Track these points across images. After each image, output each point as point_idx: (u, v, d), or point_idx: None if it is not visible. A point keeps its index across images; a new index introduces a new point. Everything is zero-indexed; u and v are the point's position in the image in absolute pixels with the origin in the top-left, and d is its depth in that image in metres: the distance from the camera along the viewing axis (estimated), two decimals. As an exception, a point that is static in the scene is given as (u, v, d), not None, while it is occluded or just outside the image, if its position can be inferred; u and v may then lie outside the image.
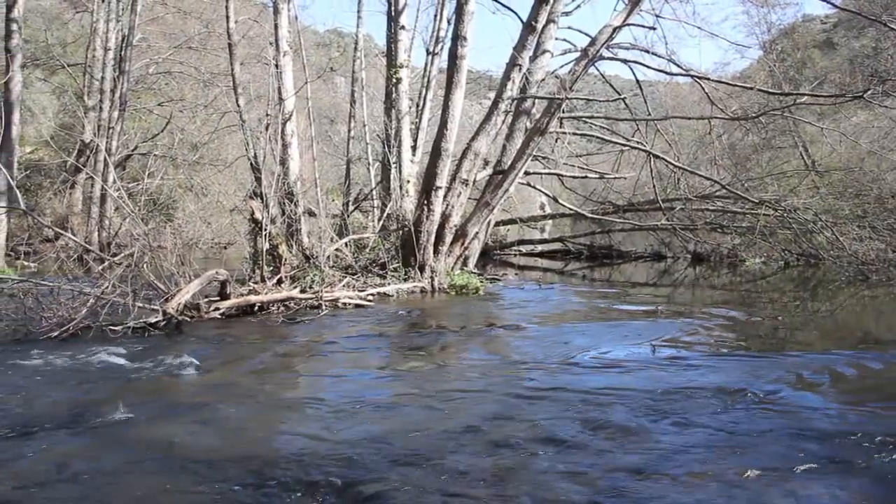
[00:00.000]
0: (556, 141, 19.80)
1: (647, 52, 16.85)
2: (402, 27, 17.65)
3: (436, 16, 19.34)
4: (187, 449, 4.72)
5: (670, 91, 30.76)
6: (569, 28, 20.45)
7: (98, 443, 4.89)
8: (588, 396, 5.85)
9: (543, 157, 20.04)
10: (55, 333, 8.65)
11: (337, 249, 13.94)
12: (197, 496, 4.00)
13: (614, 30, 13.93)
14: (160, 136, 27.85)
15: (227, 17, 14.69)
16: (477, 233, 14.92)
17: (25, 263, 17.14)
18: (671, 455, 4.46)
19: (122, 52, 23.51)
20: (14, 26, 18.43)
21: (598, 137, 21.40)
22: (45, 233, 20.31)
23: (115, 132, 22.94)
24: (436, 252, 13.79)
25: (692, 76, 18.15)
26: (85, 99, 25.59)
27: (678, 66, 17.39)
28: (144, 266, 10.05)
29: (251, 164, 13.58)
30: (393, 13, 17.78)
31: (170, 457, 4.60)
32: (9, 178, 15.70)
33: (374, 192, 20.81)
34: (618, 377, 6.61)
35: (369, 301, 11.88)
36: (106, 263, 10.76)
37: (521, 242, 27.34)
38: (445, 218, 13.78)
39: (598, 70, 19.22)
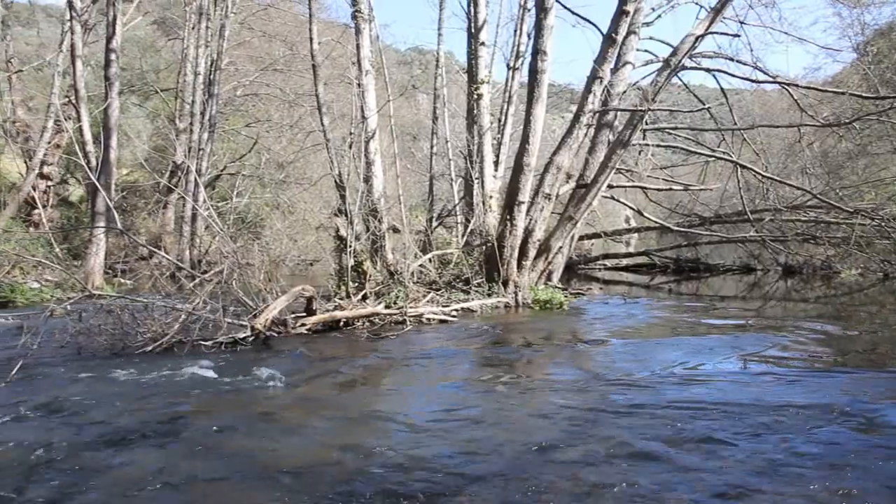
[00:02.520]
0: (640, 153, 19.56)
1: (732, 59, 16.51)
2: (483, 43, 17.73)
3: (515, 31, 19.40)
4: (275, 461, 4.82)
5: (757, 99, 30.05)
6: (650, 39, 20.24)
7: (190, 453, 5.04)
8: (675, 412, 5.75)
9: (627, 170, 19.81)
10: (150, 348, 8.96)
11: (421, 265, 14.04)
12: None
13: (697, 39, 13.73)
14: (248, 156, 28.56)
15: (311, 39, 14.99)
16: (560, 247, 14.84)
17: (122, 280, 17.80)
18: (763, 473, 4.35)
19: (211, 77, 24.25)
20: (112, 55, 19.24)
21: (682, 149, 21.03)
22: (140, 251, 21.03)
23: (204, 153, 23.65)
24: (519, 267, 13.76)
25: (780, 83, 17.69)
26: (177, 122, 26.44)
27: (765, 73, 16.96)
28: (233, 283, 10.31)
29: (336, 181, 13.79)
30: (473, 30, 17.88)
31: (258, 468, 4.70)
32: (107, 199, 16.32)
33: (457, 208, 20.88)
34: (706, 392, 6.47)
35: (453, 316, 11.91)
36: (197, 280, 11.05)
37: (606, 256, 27.02)
38: (528, 233, 13.75)
39: (681, 80, 18.94)
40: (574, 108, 14.98)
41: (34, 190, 23.79)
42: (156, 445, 5.22)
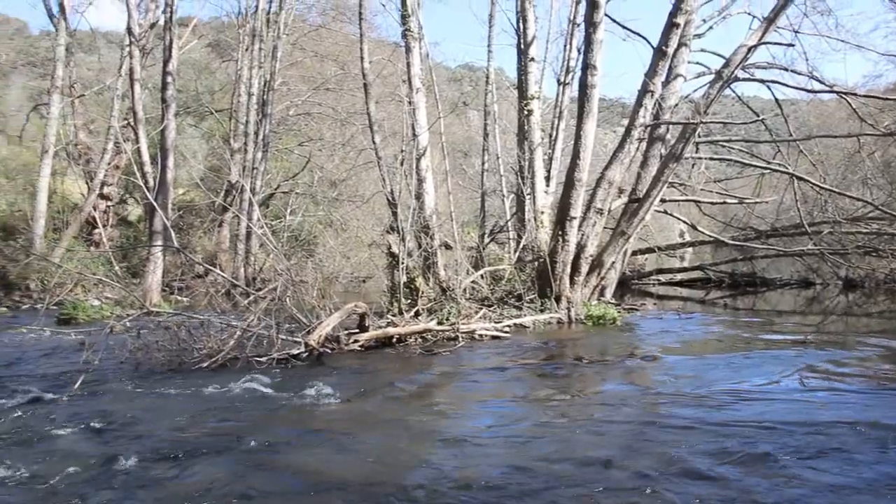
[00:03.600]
0: (693, 166, 19.36)
1: (787, 69, 16.26)
2: (532, 59, 17.75)
3: (565, 46, 19.37)
4: (328, 476, 4.87)
5: (814, 109, 29.46)
6: (701, 51, 20.00)
7: (245, 468, 5.11)
8: (729, 429, 5.66)
9: (680, 184, 19.60)
10: (206, 364, 9.11)
11: (473, 281, 14.05)
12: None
13: (749, 49, 13.57)
14: (301, 174, 28.86)
15: (362, 58, 15.15)
16: (613, 262, 14.71)
17: (179, 298, 18.10)
18: (820, 494, 4.26)
19: (265, 97, 24.62)
20: (169, 78, 19.67)
21: (736, 161, 20.70)
22: (197, 269, 21.38)
23: (258, 172, 23.99)
24: (572, 283, 13.68)
25: (837, 92, 17.35)
26: (231, 142, 26.87)
27: (821, 82, 16.66)
28: (287, 300, 10.43)
29: (388, 199, 13.88)
30: (522, 46, 17.91)
31: (311, 483, 4.75)
32: (164, 218, 16.64)
33: (508, 224, 20.87)
34: (762, 409, 6.36)
35: (506, 332, 11.88)
36: (251, 298, 11.21)
37: (660, 271, 26.67)
38: (581, 248, 13.68)
39: (734, 92, 18.71)
40: (625, 122, 14.89)
41: (95, 210, 24.37)
42: (211, 460, 5.31)
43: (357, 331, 10.69)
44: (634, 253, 22.93)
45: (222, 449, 5.60)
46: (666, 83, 14.64)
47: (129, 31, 20.41)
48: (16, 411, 6.99)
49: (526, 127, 17.33)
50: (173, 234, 13.47)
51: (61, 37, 23.51)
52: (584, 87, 13.66)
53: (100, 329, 10.04)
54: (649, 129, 14.77)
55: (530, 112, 17.24)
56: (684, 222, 22.58)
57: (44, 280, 20.01)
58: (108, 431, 6.24)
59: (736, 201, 20.63)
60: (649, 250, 25.01)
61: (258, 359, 9.30)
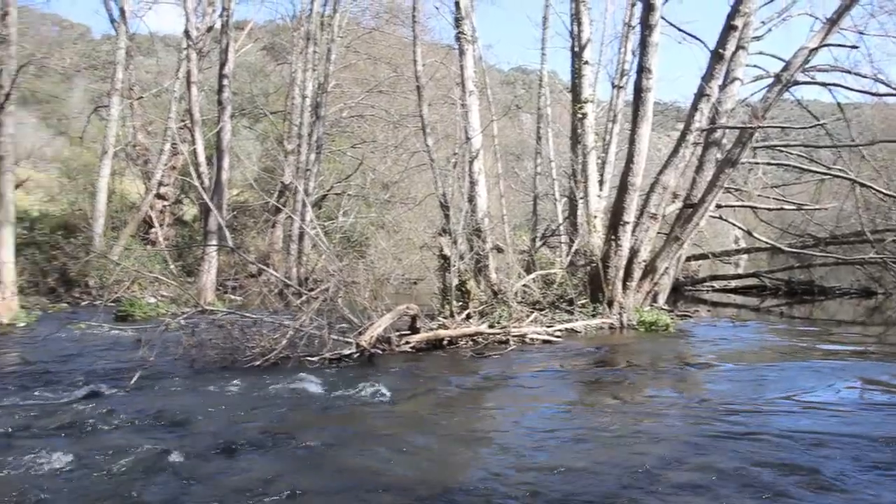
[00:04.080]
0: (750, 171, 19.01)
1: (850, 72, 15.86)
2: (587, 62, 17.62)
3: (620, 49, 19.25)
4: (377, 476, 4.87)
5: (878, 113, 28.68)
6: (760, 53, 19.47)
7: (295, 466, 5.15)
8: (785, 440, 5.53)
9: (736, 189, 19.26)
10: (258, 362, 9.21)
11: (524, 285, 13.98)
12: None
13: (811, 52, 13.29)
14: (353, 176, 29.03)
15: (415, 61, 15.19)
16: (667, 268, 14.53)
17: (232, 297, 18.34)
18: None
19: (318, 99, 24.84)
20: (225, 81, 19.95)
21: (795, 167, 20.27)
22: (250, 269, 21.63)
23: (312, 174, 24.22)
24: (624, 288, 13.54)
25: (905, 96, 16.86)
26: (285, 144, 27.14)
27: (887, 85, 16.17)
28: (339, 300, 10.49)
29: (440, 201, 13.89)
30: (577, 49, 17.79)
31: (360, 483, 4.76)
32: (219, 218, 16.88)
33: (561, 228, 20.74)
34: (819, 421, 6.21)
35: (557, 337, 11.80)
36: (304, 298, 11.28)
37: (714, 278, 26.28)
38: (634, 253, 13.53)
39: (793, 96, 18.35)
40: (680, 126, 14.71)
41: (152, 209, 24.81)
42: (263, 457, 5.35)
43: (408, 332, 10.71)
44: (688, 259, 22.63)
45: (274, 446, 5.65)
46: (723, 87, 14.42)
47: (187, 34, 20.75)
48: (75, 405, 7.14)
49: (579, 130, 17.20)
50: (228, 234, 13.65)
51: (121, 40, 24.00)
52: (639, 91, 13.52)
53: (155, 326, 10.19)
54: (705, 133, 14.55)
55: (584, 115, 17.10)
56: (740, 228, 22.21)
57: (102, 277, 20.42)
58: (162, 426, 6.33)
59: (794, 207, 20.21)
60: (703, 256, 24.66)
61: (310, 358, 9.37)
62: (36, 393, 7.82)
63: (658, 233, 14.51)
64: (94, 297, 19.54)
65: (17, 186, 20.24)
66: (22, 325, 14.85)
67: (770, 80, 14.71)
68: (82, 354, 10.64)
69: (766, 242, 21.26)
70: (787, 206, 20.08)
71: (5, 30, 16.01)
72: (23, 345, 12.35)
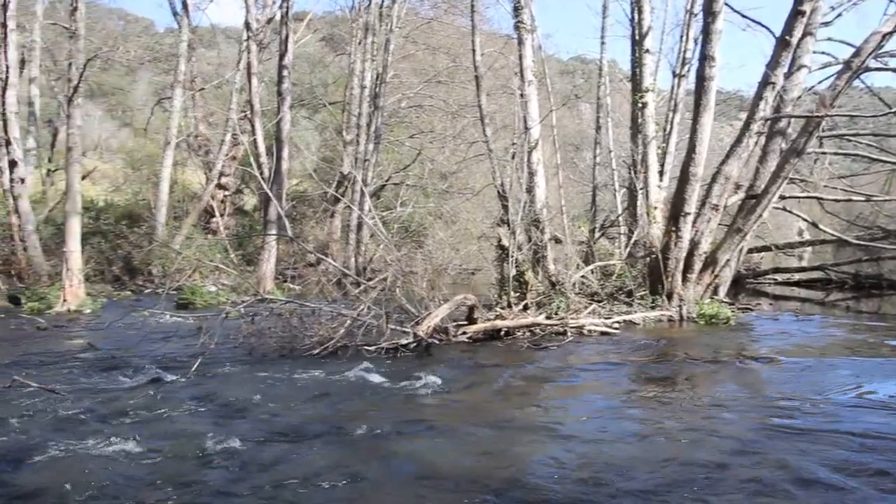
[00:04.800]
0: (816, 161, 18.54)
1: (925, 58, 15.31)
2: (647, 51, 17.36)
3: (681, 37, 18.88)
4: (433, 466, 4.89)
5: (956, 99, 27.77)
6: (828, 40, 18.86)
7: (352, 454, 5.19)
8: (848, 439, 5.39)
9: (801, 180, 18.79)
10: (316, 351, 9.31)
11: (583, 276, 13.88)
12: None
13: (884, 36, 12.85)
14: (411, 166, 29.10)
15: (474, 51, 15.13)
16: (728, 260, 14.26)
17: (291, 286, 18.53)
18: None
19: (377, 89, 24.95)
20: (284, 72, 20.16)
21: (864, 156, 19.71)
22: (309, 258, 21.84)
23: (370, 164, 24.36)
24: (684, 280, 13.33)
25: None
26: (343, 134, 27.32)
27: (963, 72, 15.58)
28: (397, 290, 10.54)
29: (498, 192, 13.84)
30: (637, 37, 17.54)
31: (417, 472, 4.79)
32: (279, 208, 17.07)
33: (620, 219, 20.53)
34: (888, 420, 6.03)
35: (615, 329, 11.68)
36: (362, 287, 11.36)
37: (777, 271, 25.69)
38: (694, 245, 13.31)
39: (863, 83, 17.82)
40: (743, 115, 14.41)
41: (213, 199, 25.22)
42: (320, 445, 5.40)
43: (465, 323, 10.72)
44: (750, 251, 22.14)
45: (331, 434, 5.70)
46: (788, 74, 14.06)
47: (247, 26, 21.01)
48: (138, 391, 7.30)
49: (640, 120, 16.98)
50: (287, 224, 13.80)
51: (184, 33, 24.45)
52: (701, 79, 13.26)
53: (216, 314, 10.37)
54: (769, 122, 14.22)
55: (645, 105, 16.87)
56: (805, 220, 21.67)
57: (164, 266, 20.85)
58: (221, 413, 6.44)
59: (862, 199, 19.63)
60: (766, 248, 24.12)
61: (367, 347, 9.44)
62: (101, 378, 8.03)
63: (719, 224, 14.24)
64: (157, 285, 19.97)
65: (84, 177, 20.79)
66: (88, 311, 15.25)
67: (839, 67, 14.30)
68: (145, 341, 10.87)
69: (833, 234, 20.71)
70: (854, 198, 19.51)
71: (74, 25, 16.42)
72: (89, 331, 12.68)
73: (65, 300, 15.48)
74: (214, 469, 4.89)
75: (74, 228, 16.02)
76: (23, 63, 22.70)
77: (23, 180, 18.35)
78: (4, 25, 18.29)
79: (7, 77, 18.04)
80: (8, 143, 17.90)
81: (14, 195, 17.97)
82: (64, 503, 4.37)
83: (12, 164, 17.91)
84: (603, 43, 23.75)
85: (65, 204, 17.01)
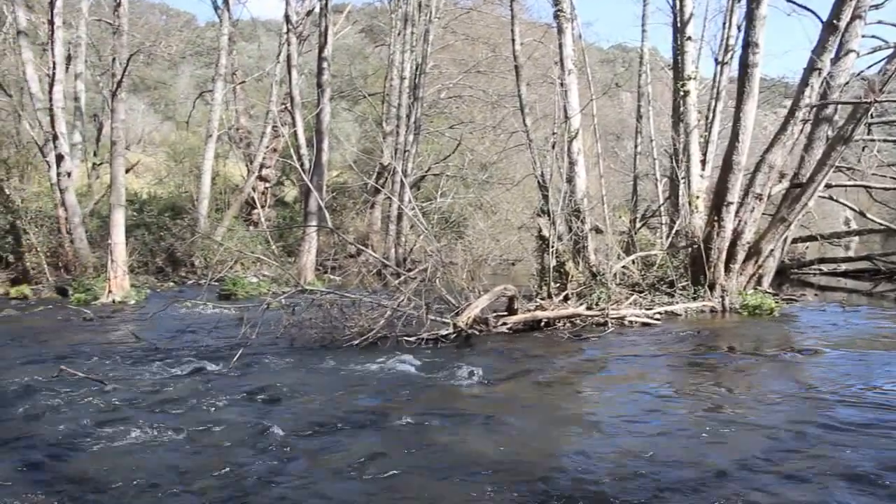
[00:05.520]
0: (864, 149, 18.16)
1: (981, 41, 14.88)
2: (689, 38, 17.13)
3: (724, 24, 18.63)
4: (473, 457, 4.88)
5: None
6: (878, 23, 18.35)
7: (392, 444, 5.21)
8: (896, 433, 5.26)
9: (848, 168, 18.42)
10: (356, 342, 9.35)
11: (624, 267, 13.76)
12: (480, 502, 4.11)
13: (935, 22, 12.54)
14: (451, 157, 29.10)
15: (513, 40, 15.04)
16: (772, 250, 14.04)
17: (331, 277, 18.67)
18: None
19: (416, 80, 24.96)
20: (324, 64, 20.22)
21: (914, 144, 19.27)
22: (349, 249, 21.99)
23: (410, 155, 24.39)
24: (727, 270, 13.15)
25: None
26: (383, 125, 27.40)
27: None
28: (437, 281, 10.54)
29: (538, 182, 13.75)
30: (679, 24, 17.32)
31: (456, 462, 4.78)
32: (319, 199, 17.18)
33: (661, 209, 20.33)
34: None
35: (656, 320, 11.57)
36: (402, 278, 11.39)
37: (822, 261, 25.24)
38: (737, 234, 13.11)
39: (915, 66, 17.36)
40: (787, 102, 14.16)
41: (254, 191, 25.47)
42: (360, 434, 5.43)
43: (505, 313, 10.69)
44: (794, 241, 21.80)
45: (371, 424, 5.72)
46: (836, 60, 13.77)
47: (287, 18, 21.13)
48: (181, 381, 7.40)
49: (681, 108, 16.77)
50: (327, 215, 13.87)
51: (225, 27, 24.66)
52: (744, 66, 13.04)
53: (257, 305, 10.45)
54: (815, 109, 13.95)
55: (687, 93, 16.65)
56: (852, 209, 21.28)
57: (207, 257, 21.11)
58: (263, 403, 6.49)
59: (912, 187, 19.20)
60: (811, 238, 23.73)
61: (407, 338, 9.45)
62: (145, 368, 8.14)
63: (763, 214, 14.02)
64: (199, 276, 20.22)
65: (127, 170, 21.09)
66: (132, 302, 15.49)
67: (889, 52, 14.00)
68: (188, 331, 11.02)
69: (881, 224, 20.30)
70: (904, 186, 19.10)
71: (118, 21, 16.65)
72: (133, 321, 12.89)
73: (110, 291, 15.75)
74: (256, 458, 4.93)
75: (119, 221, 16.27)
76: (69, 59, 23.08)
77: (69, 174, 18.67)
78: (52, 23, 18.62)
79: (54, 73, 18.36)
80: (55, 137, 18.22)
81: (61, 188, 18.29)
82: (110, 490, 4.45)
83: (59, 159, 18.23)
84: (644, 31, 23.55)
85: (109, 197, 17.29)
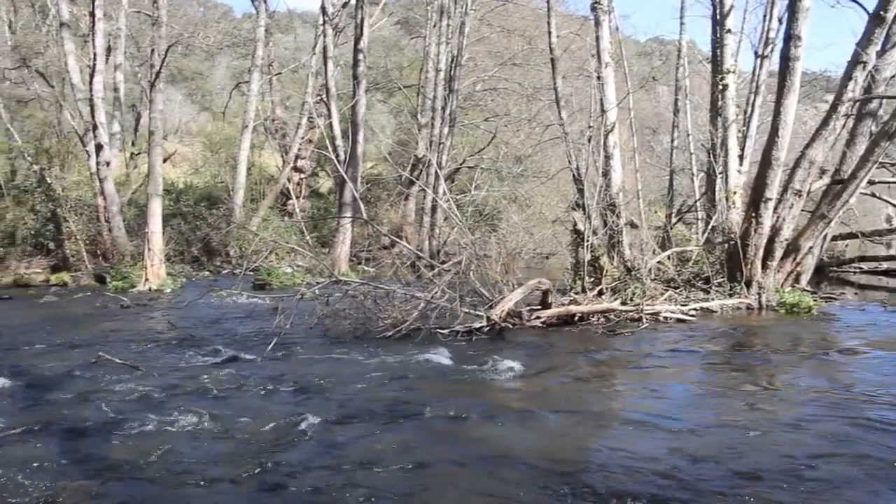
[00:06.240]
0: (908, 145, 17.81)
1: None
2: (728, 31, 16.88)
3: (765, 16, 18.32)
4: (505, 450, 4.87)
5: None
6: (928, 14, 17.94)
7: (425, 436, 5.21)
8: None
9: (892, 164, 18.09)
10: (390, 333, 9.36)
11: (659, 262, 13.63)
12: (511, 496, 4.09)
13: None
14: (486, 149, 29.03)
15: (549, 33, 14.95)
16: (811, 247, 13.82)
17: (365, 268, 18.74)
18: None
19: (452, 72, 24.90)
20: (360, 56, 20.26)
21: (960, 140, 18.83)
22: (383, 241, 22.03)
23: (445, 147, 24.35)
24: (764, 267, 12.97)
25: None
26: (418, 117, 27.41)
27: None
28: (471, 274, 10.51)
29: (573, 175, 13.68)
30: (718, 17, 17.07)
31: (488, 455, 4.77)
32: (354, 191, 17.21)
33: (697, 204, 20.10)
34: None
35: (691, 316, 11.44)
36: (435, 270, 11.38)
37: (863, 259, 24.82)
38: (775, 231, 12.92)
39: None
40: (829, 97, 13.91)
41: (289, 182, 25.63)
42: (392, 426, 5.43)
43: (539, 307, 10.63)
44: (834, 238, 21.47)
45: (403, 416, 5.71)
46: (881, 53, 13.49)
47: (323, 10, 21.19)
48: (215, 369, 7.46)
49: (720, 102, 16.54)
50: (362, 206, 13.88)
51: (261, 18, 24.81)
52: (785, 60, 12.82)
53: (291, 295, 10.50)
54: (858, 104, 13.69)
55: (725, 87, 16.42)
56: (894, 206, 20.92)
57: (242, 247, 21.30)
58: (296, 393, 6.52)
59: (958, 184, 18.82)
60: (851, 236, 23.35)
61: (440, 330, 9.44)
62: (180, 356, 8.22)
63: (802, 210, 13.81)
64: (234, 265, 20.41)
65: (165, 160, 21.30)
66: (168, 291, 15.67)
67: (939, 44, 13.68)
68: (223, 320, 11.10)
69: (923, 221, 19.91)
70: (950, 183, 18.72)
71: (157, 12, 16.82)
72: (169, 310, 13.03)
73: (146, 279, 15.95)
74: (288, 447, 4.95)
75: (156, 210, 16.45)
76: (109, 50, 23.36)
77: (108, 163, 18.92)
78: (93, 15, 18.86)
79: (95, 64, 18.61)
80: (95, 127, 18.47)
81: (100, 178, 18.55)
82: (145, 476, 4.50)
83: (98, 148, 18.48)
84: (682, 23, 23.29)
85: (147, 186, 17.49)
